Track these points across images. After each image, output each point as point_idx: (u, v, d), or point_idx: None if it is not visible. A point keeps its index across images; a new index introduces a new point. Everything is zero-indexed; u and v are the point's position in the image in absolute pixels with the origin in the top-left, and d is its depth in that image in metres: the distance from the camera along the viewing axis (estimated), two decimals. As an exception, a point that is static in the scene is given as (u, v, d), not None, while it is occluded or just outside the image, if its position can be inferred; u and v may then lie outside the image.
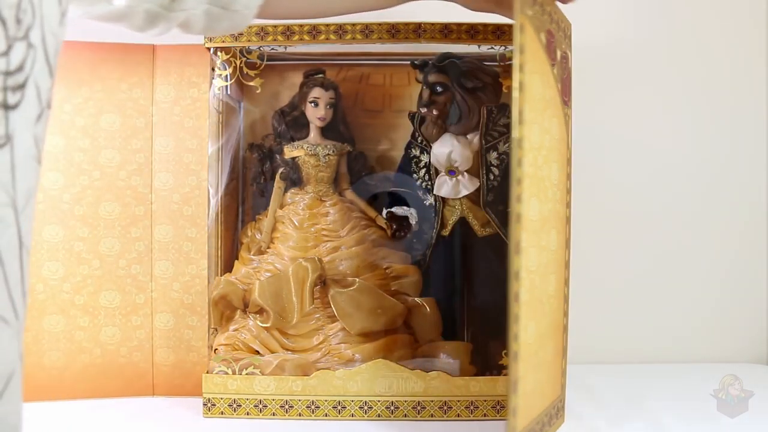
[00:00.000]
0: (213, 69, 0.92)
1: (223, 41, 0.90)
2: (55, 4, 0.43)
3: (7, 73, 0.37)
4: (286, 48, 0.93)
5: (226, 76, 0.92)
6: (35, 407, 0.89)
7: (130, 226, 0.96)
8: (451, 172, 0.94)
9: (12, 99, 0.38)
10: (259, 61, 0.93)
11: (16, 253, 0.39)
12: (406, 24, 0.89)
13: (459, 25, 0.89)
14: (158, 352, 0.97)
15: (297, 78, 0.99)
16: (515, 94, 0.60)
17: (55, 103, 0.55)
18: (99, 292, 0.95)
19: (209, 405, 0.88)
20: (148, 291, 0.97)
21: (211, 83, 0.92)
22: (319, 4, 0.79)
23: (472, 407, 0.87)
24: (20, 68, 0.38)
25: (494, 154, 0.93)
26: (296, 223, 0.96)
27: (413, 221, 0.97)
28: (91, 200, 0.95)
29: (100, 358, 0.96)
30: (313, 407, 0.87)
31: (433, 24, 0.89)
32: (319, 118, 0.96)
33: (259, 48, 0.92)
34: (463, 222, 0.96)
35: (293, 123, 0.98)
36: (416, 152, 0.97)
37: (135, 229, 0.96)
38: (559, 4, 0.73)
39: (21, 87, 0.39)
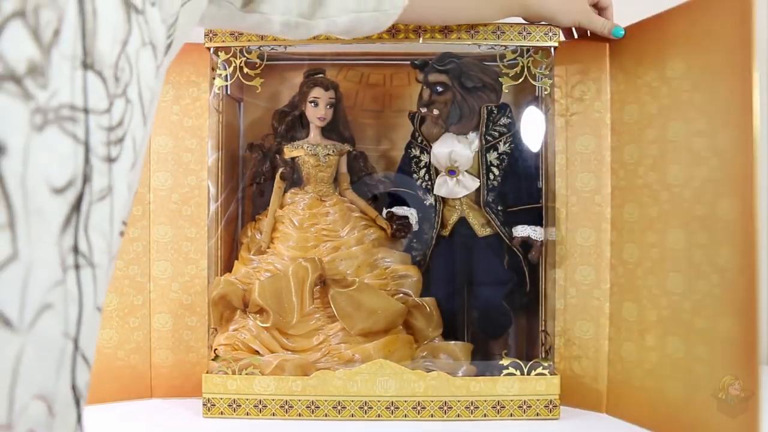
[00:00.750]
0: (213, 69, 0.92)
1: (223, 41, 0.90)
2: (151, 59, 0.44)
3: (110, 129, 0.39)
4: (286, 48, 0.93)
5: (226, 75, 0.92)
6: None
7: (127, 226, 0.95)
8: (451, 172, 0.94)
9: (114, 152, 0.40)
10: (259, 61, 0.93)
11: (92, 289, 0.41)
12: (406, 24, 0.89)
13: (458, 24, 0.89)
14: (157, 354, 0.96)
15: (297, 78, 0.99)
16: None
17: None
18: (96, 293, 0.94)
19: (209, 405, 0.87)
20: (146, 292, 0.96)
21: (211, 83, 0.92)
22: (446, 15, 0.84)
23: (472, 407, 0.87)
24: (120, 123, 0.41)
25: (494, 154, 0.93)
26: (296, 223, 0.95)
27: (413, 221, 0.97)
28: (89, 200, 0.94)
29: (97, 362, 0.93)
30: (313, 407, 0.87)
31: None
32: (319, 118, 0.96)
33: (259, 48, 0.92)
34: (463, 222, 0.96)
35: (293, 123, 0.98)
36: (416, 152, 0.97)
37: (133, 230, 0.96)
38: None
39: (120, 141, 0.41)
